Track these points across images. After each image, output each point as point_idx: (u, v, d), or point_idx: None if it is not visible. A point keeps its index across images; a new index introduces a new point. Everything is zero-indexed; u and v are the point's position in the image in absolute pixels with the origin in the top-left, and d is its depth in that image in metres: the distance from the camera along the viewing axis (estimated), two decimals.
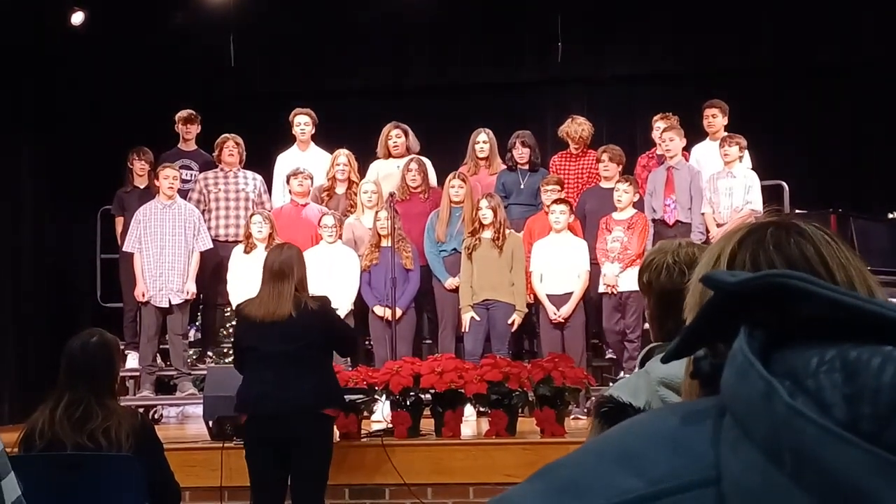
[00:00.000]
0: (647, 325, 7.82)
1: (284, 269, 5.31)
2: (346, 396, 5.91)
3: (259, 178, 9.27)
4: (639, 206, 8.43)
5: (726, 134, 8.60)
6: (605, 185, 8.63)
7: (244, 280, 8.34)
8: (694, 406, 0.68)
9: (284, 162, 9.30)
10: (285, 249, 5.50)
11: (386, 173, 9.00)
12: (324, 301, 5.46)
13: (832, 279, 1.19)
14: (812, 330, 0.64)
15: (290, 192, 8.92)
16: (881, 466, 0.54)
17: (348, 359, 7.25)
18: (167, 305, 8.62)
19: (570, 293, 8.13)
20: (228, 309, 9.15)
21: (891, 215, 9.23)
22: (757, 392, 0.60)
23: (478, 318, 8.10)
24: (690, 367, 0.82)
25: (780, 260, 1.24)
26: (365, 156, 9.19)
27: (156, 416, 8.95)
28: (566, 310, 8.08)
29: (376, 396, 6.94)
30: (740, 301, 0.67)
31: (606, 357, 8.76)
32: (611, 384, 7.83)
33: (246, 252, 8.50)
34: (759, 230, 1.27)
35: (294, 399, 5.16)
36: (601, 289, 8.23)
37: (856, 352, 0.59)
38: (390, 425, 6.77)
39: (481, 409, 7.26)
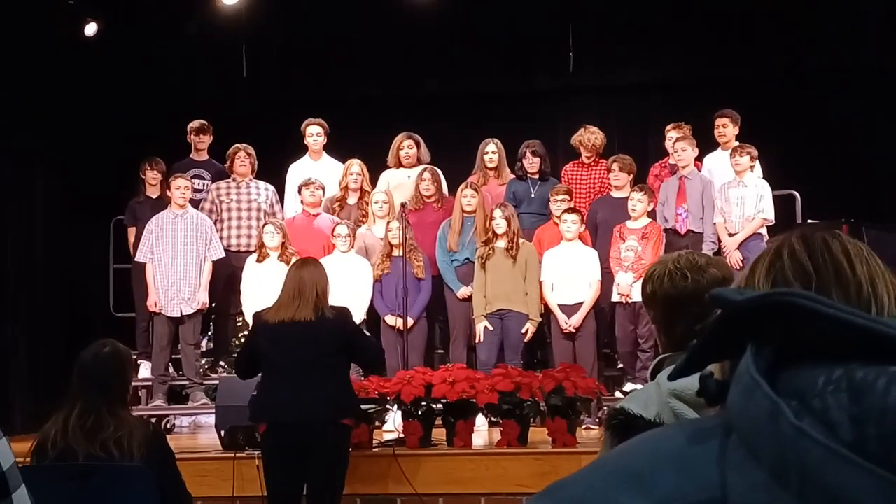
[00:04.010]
0: None
1: (306, 278, 5.37)
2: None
3: (271, 188, 9.29)
4: (652, 215, 8.42)
5: (737, 143, 8.59)
6: (615, 194, 8.63)
7: (258, 290, 8.36)
8: (700, 425, 0.68)
9: (296, 172, 9.31)
10: (309, 263, 5.60)
11: (397, 183, 9.01)
12: (342, 311, 5.49)
13: (854, 275, 1.21)
14: (820, 347, 0.64)
15: (301, 202, 8.94)
16: (886, 488, 0.54)
17: (360, 369, 7.24)
18: (179, 315, 8.64)
19: (582, 303, 8.12)
20: (241, 319, 9.17)
21: None
22: (763, 412, 0.60)
23: (491, 328, 8.10)
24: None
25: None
26: (376, 165, 9.20)
27: (168, 426, 8.97)
28: (576, 319, 8.07)
29: (388, 406, 6.95)
30: (748, 318, 0.67)
31: (618, 367, 8.74)
32: (617, 393, 7.83)
33: (258, 261, 8.52)
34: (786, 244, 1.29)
35: (312, 408, 5.17)
36: (615, 298, 8.22)
37: (862, 372, 0.59)
38: (402, 435, 6.77)
39: (493, 419, 7.26)
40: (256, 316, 5.56)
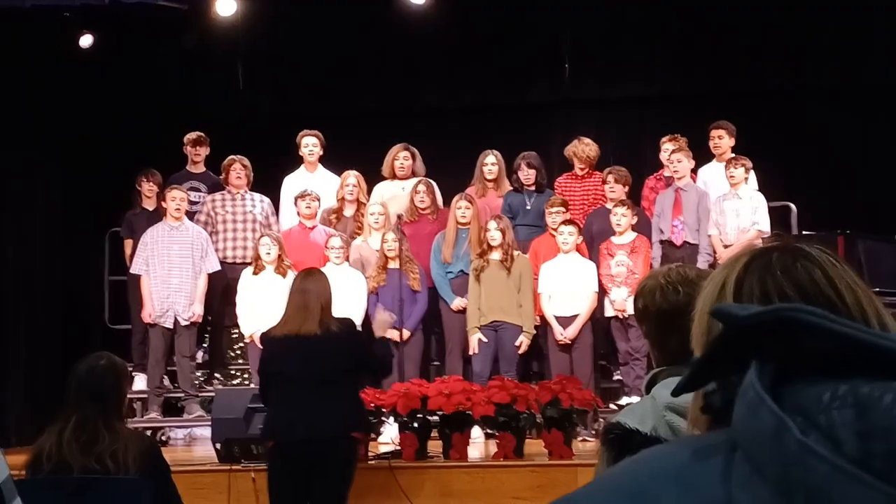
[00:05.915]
0: None
1: (310, 289, 5.35)
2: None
3: (266, 200, 9.27)
4: (638, 228, 8.41)
5: (732, 155, 8.59)
6: (611, 206, 8.63)
7: (253, 302, 8.36)
8: (704, 441, 0.67)
9: (291, 184, 9.30)
10: (314, 273, 5.58)
11: (391, 195, 8.98)
12: (347, 323, 5.48)
13: (842, 301, 1.18)
14: (824, 363, 0.63)
15: (297, 214, 8.93)
16: None
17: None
18: (173, 327, 8.63)
19: (579, 315, 8.12)
20: (236, 331, 9.15)
21: None
22: (768, 428, 0.59)
23: (485, 340, 8.09)
24: (700, 400, 0.81)
25: (789, 284, 1.21)
26: (373, 178, 9.19)
27: (163, 439, 8.94)
28: (571, 331, 8.07)
29: (384, 418, 6.93)
30: (751, 334, 0.67)
31: (615, 378, 8.73)
32: (612, 405, 7.81)
33: (254, 274, 8.51)
34: (763, 255, 1.25)
35: (324, 423, 5.15)
36: (609, 312, 8.22)
37: (868, 387, 0.59)
38: (398, 447, 6.76)
39: (489, 431, 7.25)
40: (264, 336, 5.57)
